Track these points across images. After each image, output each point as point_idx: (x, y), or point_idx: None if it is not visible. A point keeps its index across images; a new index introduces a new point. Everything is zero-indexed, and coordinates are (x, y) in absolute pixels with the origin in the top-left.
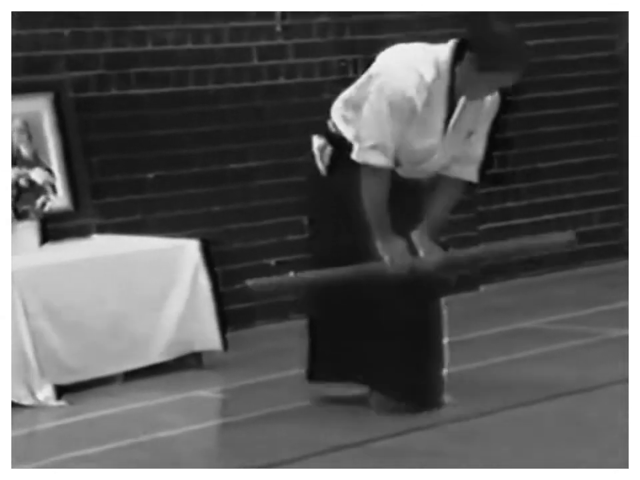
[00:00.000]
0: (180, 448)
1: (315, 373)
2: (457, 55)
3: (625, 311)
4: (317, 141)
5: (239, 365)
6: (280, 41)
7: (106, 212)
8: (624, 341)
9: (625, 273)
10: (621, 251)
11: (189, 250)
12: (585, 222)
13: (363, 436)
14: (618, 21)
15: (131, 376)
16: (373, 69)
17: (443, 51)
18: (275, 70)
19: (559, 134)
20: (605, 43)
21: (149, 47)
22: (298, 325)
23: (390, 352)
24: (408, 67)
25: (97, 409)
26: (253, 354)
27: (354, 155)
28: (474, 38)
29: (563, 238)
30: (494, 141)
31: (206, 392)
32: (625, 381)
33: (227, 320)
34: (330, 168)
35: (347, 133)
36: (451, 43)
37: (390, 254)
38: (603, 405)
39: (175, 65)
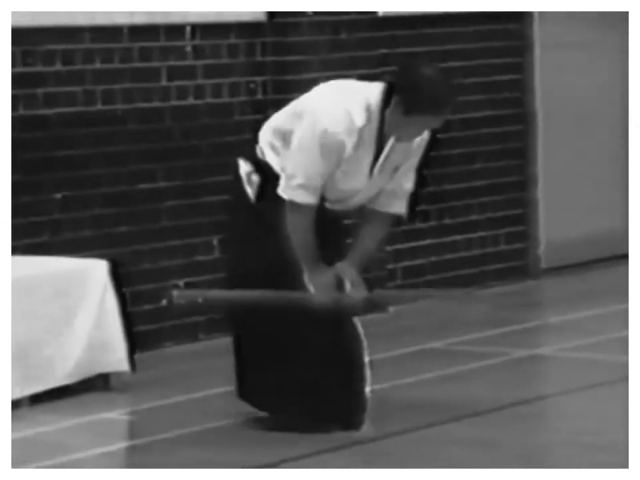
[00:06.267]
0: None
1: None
2: (386, 99)
3: (530, 332)
4: (244, 166)
5: (147, 386)
6: (189, 61)
7: (12, 233)
8: (529, 361)
9: (529, 293)
10: (526, 272)
11: (96, 270)
12: (491, 243)
13: (274, 457)
14: (524, 44)
15: (38, 399)
16: (305, 102)
17: (373, 92)
18: (184, 90)
19: (464, 156)
20: (510, 66)
21: (58, 67)
22: (207, 347)
23: (309, 375)
24: (340, 109)
25: None
26: (162, 375)
27: (280, 191)
28: (399, 82)
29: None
30: (422, 178)
31: (113, 414)
32: (532, 400)
33: (135, 341)
34: (259, 196)
35: (274, 162)
36: (381, 85)
37: (315, 286)
38: (508, 425)
39: (83, 85)
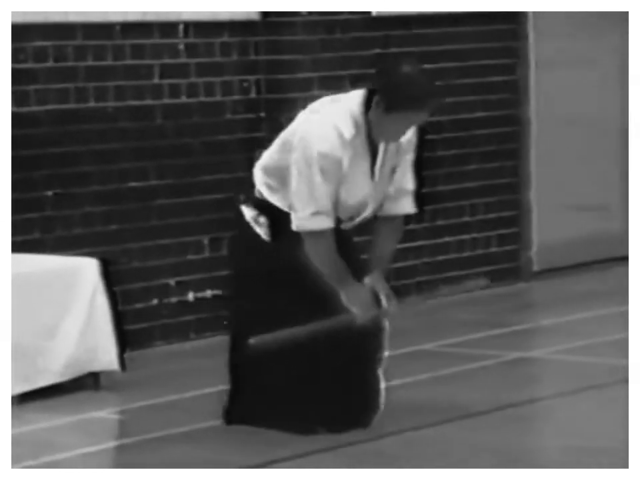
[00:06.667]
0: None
1: (232, 416)
2: (367, 102)
3: (522, 334)
4: (248, 212)
5: (137, 385)
6: (182, 59)
7: None
8: (522, 363)
9: (522, 295)
10: (518, 274)
11: (87, 269)
12: (483, 245)
13: (265, 457)
14: (518, 45)
15: (28, 397)
16: (291, 134)
17: (353, 100)
18: (177, 88)
19: (457, 157)
20: (503, 67)
21: (50, 63)
22: (197, 346)
23: (320, 378)
24: (328, 127)
25: None
26: (152, 374)
27: (294, 227)
28: (379, 80)
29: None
30: (419, 165)
31: (103, 413)
32: (524, 403)
33: (125, 340)
34: (273, 236)
35: (276, 201)
36: (360, 92)
37: (356, 306)
38: (500, 427)
39: (75, 82)
